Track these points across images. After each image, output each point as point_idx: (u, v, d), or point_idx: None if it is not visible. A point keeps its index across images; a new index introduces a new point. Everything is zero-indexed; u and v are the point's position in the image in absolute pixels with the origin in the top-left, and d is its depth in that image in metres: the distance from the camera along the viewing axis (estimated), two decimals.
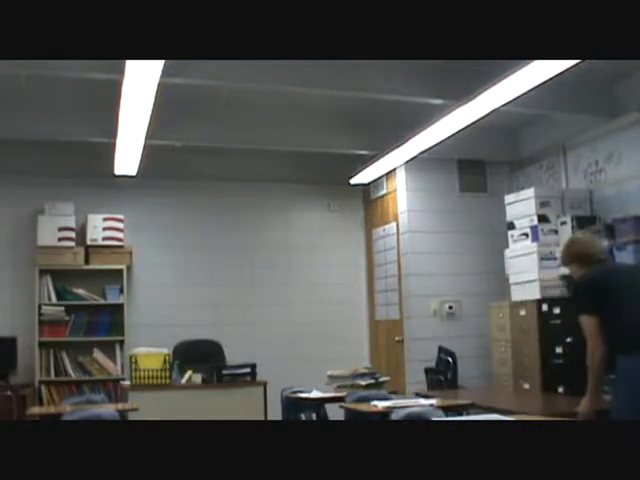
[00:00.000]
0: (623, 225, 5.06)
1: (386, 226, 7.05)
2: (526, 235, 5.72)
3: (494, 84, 4.34)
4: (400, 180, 6.69)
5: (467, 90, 4.60)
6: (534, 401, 4.87)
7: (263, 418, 5.22)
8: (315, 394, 5.21)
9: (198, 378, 5.33)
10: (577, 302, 3.59)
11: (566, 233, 5.54)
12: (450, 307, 6.51)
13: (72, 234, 6.40)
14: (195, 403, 5.11)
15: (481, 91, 4.50)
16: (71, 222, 6.42)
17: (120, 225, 6.56)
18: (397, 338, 6.73)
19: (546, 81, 4.21)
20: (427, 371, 6.07)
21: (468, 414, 4.09)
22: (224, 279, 6.99)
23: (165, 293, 6.77)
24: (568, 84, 4.64)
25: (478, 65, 4.02)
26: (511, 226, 5.90)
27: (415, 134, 5.44)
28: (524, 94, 4.47)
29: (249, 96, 5.29)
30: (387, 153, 5.98)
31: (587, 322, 3.43)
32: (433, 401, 4.37)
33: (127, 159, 5.79)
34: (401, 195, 6.69)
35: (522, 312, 5.62)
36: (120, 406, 4.65)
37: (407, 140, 5.59)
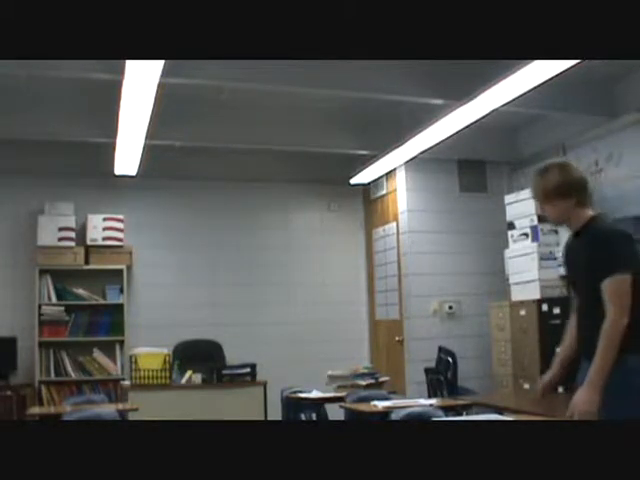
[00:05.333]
0: (623, 225, 5.05)
1: (386, 226, 7.05)
2: (526, 235, 5.72)
3: (494, 84, 4.34)
4: (400, 180, 6.69)
5: (467, 90, 4.60)
6: (534, 401, 4.85)
7: (263, 418, 5.23)
8: (315, 394, 5.21)
9: (198, 378, 5.34)
10: (629, 255, 2.65)
11: (566, 233, 5.53)
12: (450, 307, 6.51)
13: (72, 234, 6.40)
14: (195, 403, 5.11)
15: (481, 91, 4.50)
16: (71, 222, 6.42)
17: (120, 225, 6.56)
18: (397, 338, 6.73)
19: (546, 81, 4.21)
20: (427, 371, 6.07)
21: (468, 414, 4.09)
22: (224, 279, 6.99)
23: (165, 293, 6.77)
24: (568, 84, 4.64)
25: (478, 65, 4.01)
26: (511, 226, 5.90)
27: (415, 134, 5.44)
28: (524, 94, 4.47)
29: (249, 96, 5.29)
30: (387, 153, 5.99)
31: (626, 283, 2.56)
32: (433, 401, 4.37)
33: (127, 159, 5.79)
34: (401, 195, 6.69)
35: (522, 312, 5.63)
36: (120, 406, 4.65)
37: (407, 140, 5.59)
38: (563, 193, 2.77)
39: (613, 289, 2.57)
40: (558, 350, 2.99)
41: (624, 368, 2.51)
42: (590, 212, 2.81)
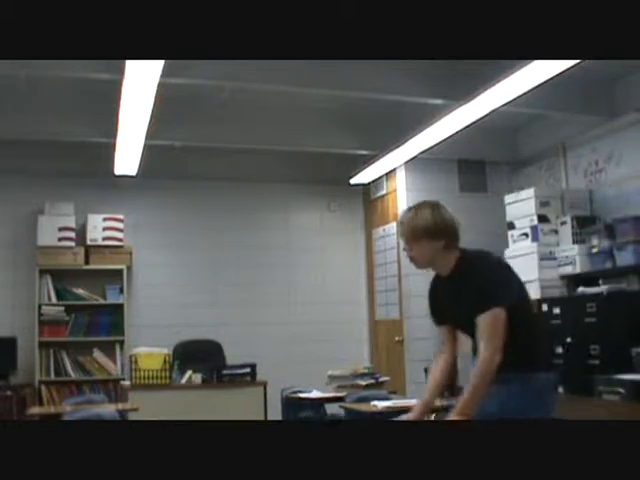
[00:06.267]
0: (623, 225, 5.06)
1: (386, 226, 7.05)
2: (526, 235, 5.72)
3: (494, 84, 4.35)
4: (400, 180, 6.69)
5: (467, 90, 4.61)
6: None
7: (263, 418, 5.22)
8: (315, 394, 5.21)
9: (198, 378, 5.34)
10: (503, 288, 2.61)
11: (566, 233, 5.54)
12: None
13: (72, 234, 6.40)
14: (195, 403, 5.11)
15: (481, 91, 4.50)
16: (71, 222, 6.42)
17: (120, 225, 6.56)
18: (397, 338, 6.73)
19: (546, 81, 4.21)
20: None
21: None
22: (224, 279, 6.99)
23: (165, 293, 6.77)
24: (568, 84, 4.64)
25: (478, 65, 4.02)
26: (511, 226, 5.90)
27: (415, 134, 5.44)
28: (524, 94, 4.47)
29: (249, 96, 5.29)
30: (387, 153, 5.99)
31: (502, 316, 2.51)
32: None
33: (127, 159, 5.79)
34: (401, 195, 6.69)
35: None
36: (120, 406, 4.65)
37: (407, 140, 5.60)
38: (433, 234, 2.67)
39: (487, 324, 2.53)
40: (430, 379, 2.97)
41: (529, 386, 2.54)
42: (458, 253, 2.74)
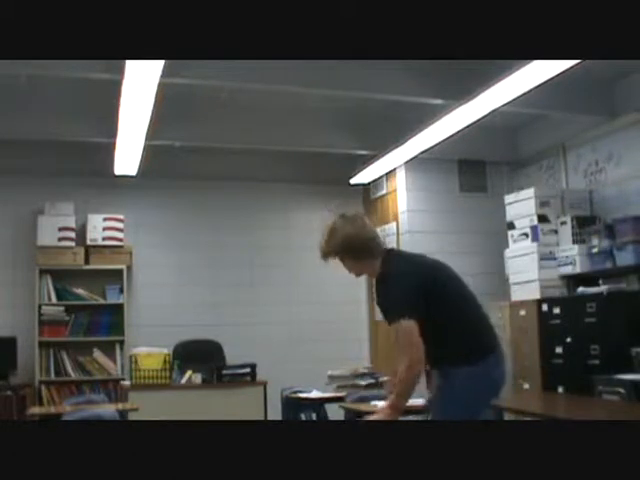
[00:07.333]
0: (623, 225, 5.06)
1: (386, 226, 7.04)
2: (526, 235, 5.72)
3: (494, 84, 4.35)
4: (400, 180, 6.69)
5: (467, 90, 4.61)
6: (534, 401, 4.86)
7: (263, 418, 5.23)
8: (315, 394, 5.22)
9: (198, 378, 5.34)
10: (402, 302, 2.67)
11: (566, 233, 5.54)
12: None
13: (72, 234, 6.40)
14: (195, 403, 5.11)
15: (481, 91, 4.50)
16: (71, 222, 6.41)
17: (120, 225, 6.56)
18: None
19: (546, 81, 4.22)
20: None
21: None
22: (224, 279, 6.99)
23: (165, 293, 6.76)
24: (568, 84, 4.64)
25: (478, 65, 4.02)
26: (511, 226, 5.90)
27: (415, 134, 5.45)
28: (524, 94, 4.47)
29: (249, 96, 5.29)
30: (387, 153, 5.99)
31: (409, 326, 2.63)
32: None
33: (127, 159, 5.79)
34: (401, 195, 6.69)
35: (522, 312, 5.62)
36: (120, 406, 4.65)
37: (407, 140, 5.60)
38: (348, 253, 2.82)
39: (401, 336, 2.68)
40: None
41: (452, 381, 2.71)
42: (380, 259, 2.82)
